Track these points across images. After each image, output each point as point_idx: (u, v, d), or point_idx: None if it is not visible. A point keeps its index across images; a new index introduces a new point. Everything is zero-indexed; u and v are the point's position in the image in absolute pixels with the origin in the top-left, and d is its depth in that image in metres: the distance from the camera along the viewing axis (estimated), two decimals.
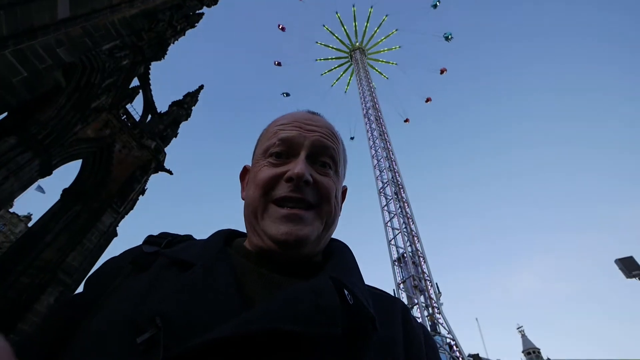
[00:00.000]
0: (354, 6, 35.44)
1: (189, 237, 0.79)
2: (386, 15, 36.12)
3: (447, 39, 35.52)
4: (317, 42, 38.78)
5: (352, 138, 37.66)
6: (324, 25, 37.30)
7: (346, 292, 0.56)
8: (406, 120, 36.55)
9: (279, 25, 37.96)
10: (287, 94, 41.35)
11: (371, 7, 35.47)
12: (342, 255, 0.71)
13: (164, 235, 0.76)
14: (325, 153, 0.71)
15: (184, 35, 17.50)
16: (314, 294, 0.52)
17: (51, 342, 0.57)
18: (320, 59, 39.70)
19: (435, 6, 35.06)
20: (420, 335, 0.67)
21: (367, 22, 35.76)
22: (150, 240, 0.73)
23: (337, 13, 35.79)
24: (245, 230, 0.75)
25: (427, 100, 36.79)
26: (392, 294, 0.78)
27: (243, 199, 0.75)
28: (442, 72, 36.16)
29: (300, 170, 0.63)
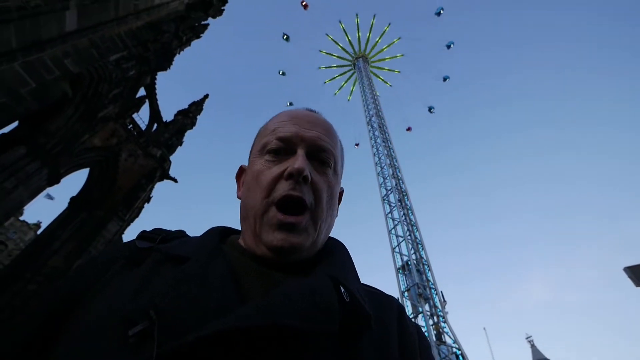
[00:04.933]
0: (357, 15, 35.83)
1: (182, 234, 0.79)
2: (389, 24, 36.48)
3: (448, 47, 36.23)
4: (320, 51, 39.08)
5: (357, 145, 37.76)
6: (327, 35, 37.65)
7: (343, 289, 0.56)
8: (408, 129, 36.53)
9: (302, 2, 36.13)
10: (284, 73, 40.98)
11: (374, 15, 35.85)
12: (338, 253, 0.71)
13: (158, 231, 0.75)
14: (323, 151, 0.71)
15: (190, 45, 17.86)
16: (311, 290, 0.52)
17: (32, 337, 0.54)
18: (323, 67, 39.97)
19: (438, 14, 35.76)
20: (414, 334, 0.67)
21: (370, 31, 36.07)
22: (144, 235, 0.72)
23: (340, 22, 36.19)
24: (239, 228, 0.75)
25: (408, 129, 36.61)
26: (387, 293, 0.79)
27: (239, 198, 0.76)
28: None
29: (300, 165, 0.63)
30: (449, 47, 36.19)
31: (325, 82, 41.02)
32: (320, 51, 38.97)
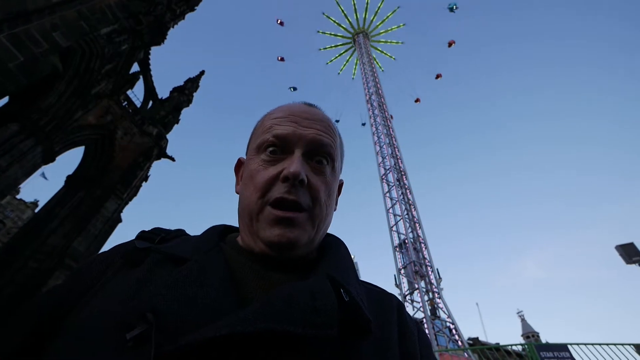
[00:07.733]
0: None
1: (182, 233, 0.79)
2: None
3: (451, 9, 35.07)
4: (318, 31, 38.15)
5: (363, 124, 37.44)
6: (323, 13, 36.78)
7: (342, 292, 0.55)
8: (417, 100, 36.37)
9: (277, 20, 37.53)
10: (292, 87, 40.91)
11: None
12: (337, 252, 0.70)
13: (157, 230, 0.75)
14: (322, 150, 0.69)
15: (184, 19, 17.22)
16: (311, 294, 0.51)
17: (27, 340, 0.54)
18: (324, 48, 39.15)
19: (452, 9, 34.96)
20: (414, 331, 0.67)
21: (367, 3, 34.95)
22: (143, 235, 0.72)
23: None
24: (237, 224, 0.74)
25: (417, 100, 36.82)
26: (388, 290, 0.79)
27: (237, 193, 0.74)
28: (437, 77, 36.71)
29: (295, 169, 0.62)
30: (451, 9, 34.94)
31: (327, 63, 40.43)
32: (318, 32, 38.13)
